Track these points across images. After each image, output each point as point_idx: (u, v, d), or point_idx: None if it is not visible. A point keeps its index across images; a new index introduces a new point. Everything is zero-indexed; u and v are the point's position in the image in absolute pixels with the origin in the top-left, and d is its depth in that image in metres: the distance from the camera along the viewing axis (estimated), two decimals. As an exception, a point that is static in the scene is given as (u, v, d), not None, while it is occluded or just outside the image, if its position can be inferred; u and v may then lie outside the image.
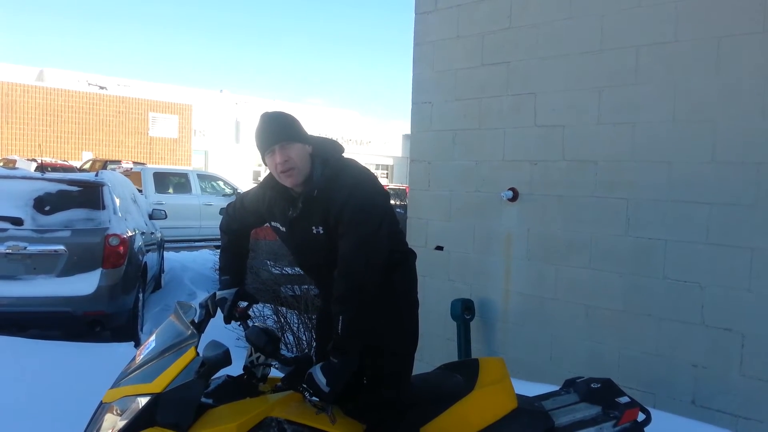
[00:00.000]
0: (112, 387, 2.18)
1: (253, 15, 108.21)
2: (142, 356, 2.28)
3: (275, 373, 2.38)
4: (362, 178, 2.22)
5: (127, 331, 5.89)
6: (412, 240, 4.86)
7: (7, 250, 5.34)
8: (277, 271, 6.56)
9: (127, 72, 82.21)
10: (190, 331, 2.21)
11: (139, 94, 27.58)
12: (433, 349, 4.59)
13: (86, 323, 5.56)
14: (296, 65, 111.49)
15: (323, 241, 2.23)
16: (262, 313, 6.41)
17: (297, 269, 6.10)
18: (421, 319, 5.09)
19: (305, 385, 2.22)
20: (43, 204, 5.67)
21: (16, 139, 22.64)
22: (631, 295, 3.71)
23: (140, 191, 12.13)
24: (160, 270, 8.89)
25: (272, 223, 2.41)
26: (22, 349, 4.48)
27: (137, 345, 5.20)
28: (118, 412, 2.05)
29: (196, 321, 2.34)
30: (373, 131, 39.55)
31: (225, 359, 2.10)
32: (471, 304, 4.34)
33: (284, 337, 6.24)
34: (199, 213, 13.59)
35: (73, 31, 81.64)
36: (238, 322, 2.53)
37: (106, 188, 6.00)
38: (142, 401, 2.04)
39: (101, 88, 26.84)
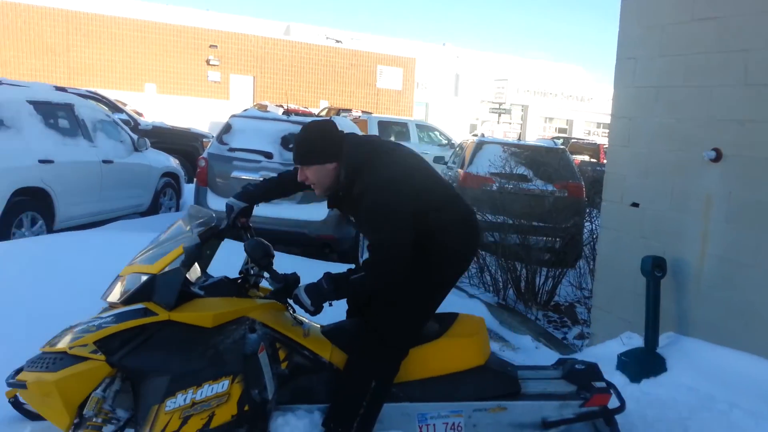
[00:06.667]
0: (128, 264, 2.61)
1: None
2: (153, 243, 2.71)
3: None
4: (377, 181, 2.50)
5: (351, 255, 6.66)
6: (608, 195, 4.96)
7: (260, 178, 6.54)
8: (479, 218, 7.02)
9: (359, 26, 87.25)
10: (188, 228, 2.65)
11: (368, 47, 29.50)
12: (623, 303, 4.68)
13: (319, 245, 6.52)
14: (520, 18, 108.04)
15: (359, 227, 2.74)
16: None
17: (498, 218, 6.56)
18: (612, 273, 5.15)
19: (291, 301, 2.52)
20: (288, 142, 6.79)
21: (267, 87, 25.93)
22: (839, 266, 3.50)
23: (365, 138, 13.38)
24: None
25: None
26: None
27: (358, 269, 6.05)
28: (123, 282, 2.50)
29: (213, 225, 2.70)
30: (597, 88, 37.45)
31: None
32: (663, 262, 4.31)
33: (482, 277, 6.76)
34: (415, 161, 14.49)
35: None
36: (241, 232, 2.81)
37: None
38: (143, 278, 2.45)
39: (337, 42, 29.12)
